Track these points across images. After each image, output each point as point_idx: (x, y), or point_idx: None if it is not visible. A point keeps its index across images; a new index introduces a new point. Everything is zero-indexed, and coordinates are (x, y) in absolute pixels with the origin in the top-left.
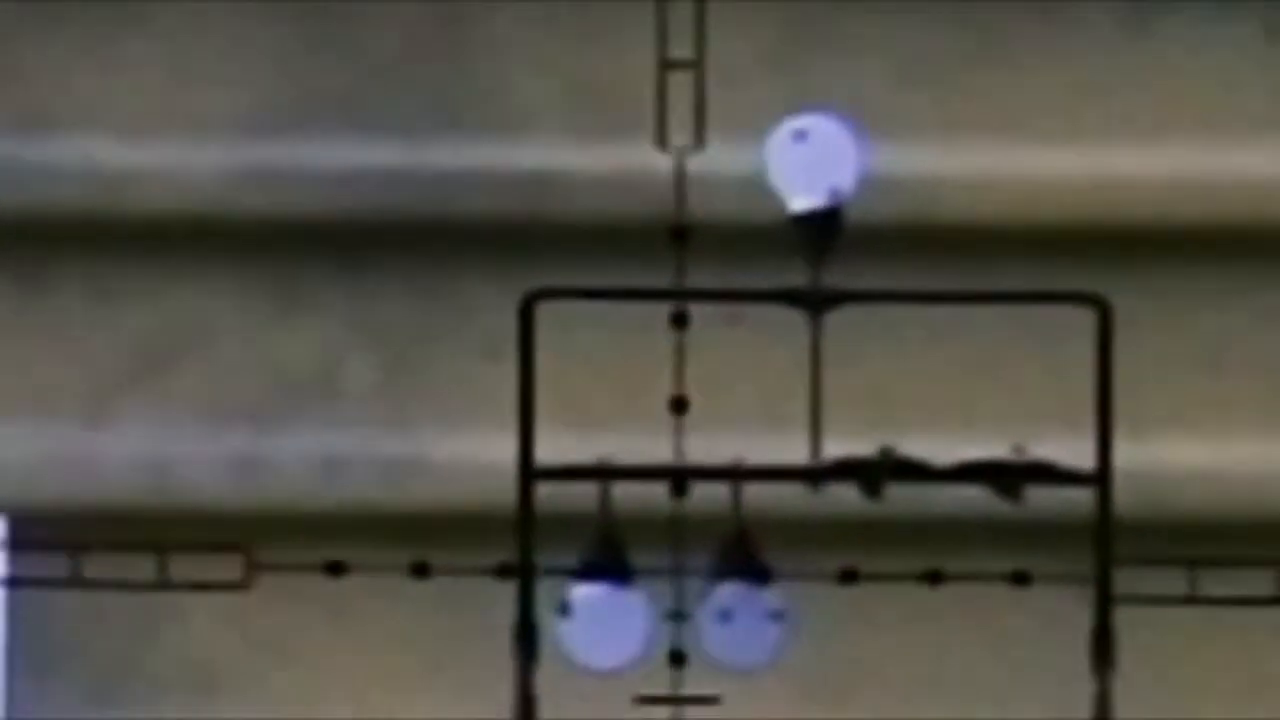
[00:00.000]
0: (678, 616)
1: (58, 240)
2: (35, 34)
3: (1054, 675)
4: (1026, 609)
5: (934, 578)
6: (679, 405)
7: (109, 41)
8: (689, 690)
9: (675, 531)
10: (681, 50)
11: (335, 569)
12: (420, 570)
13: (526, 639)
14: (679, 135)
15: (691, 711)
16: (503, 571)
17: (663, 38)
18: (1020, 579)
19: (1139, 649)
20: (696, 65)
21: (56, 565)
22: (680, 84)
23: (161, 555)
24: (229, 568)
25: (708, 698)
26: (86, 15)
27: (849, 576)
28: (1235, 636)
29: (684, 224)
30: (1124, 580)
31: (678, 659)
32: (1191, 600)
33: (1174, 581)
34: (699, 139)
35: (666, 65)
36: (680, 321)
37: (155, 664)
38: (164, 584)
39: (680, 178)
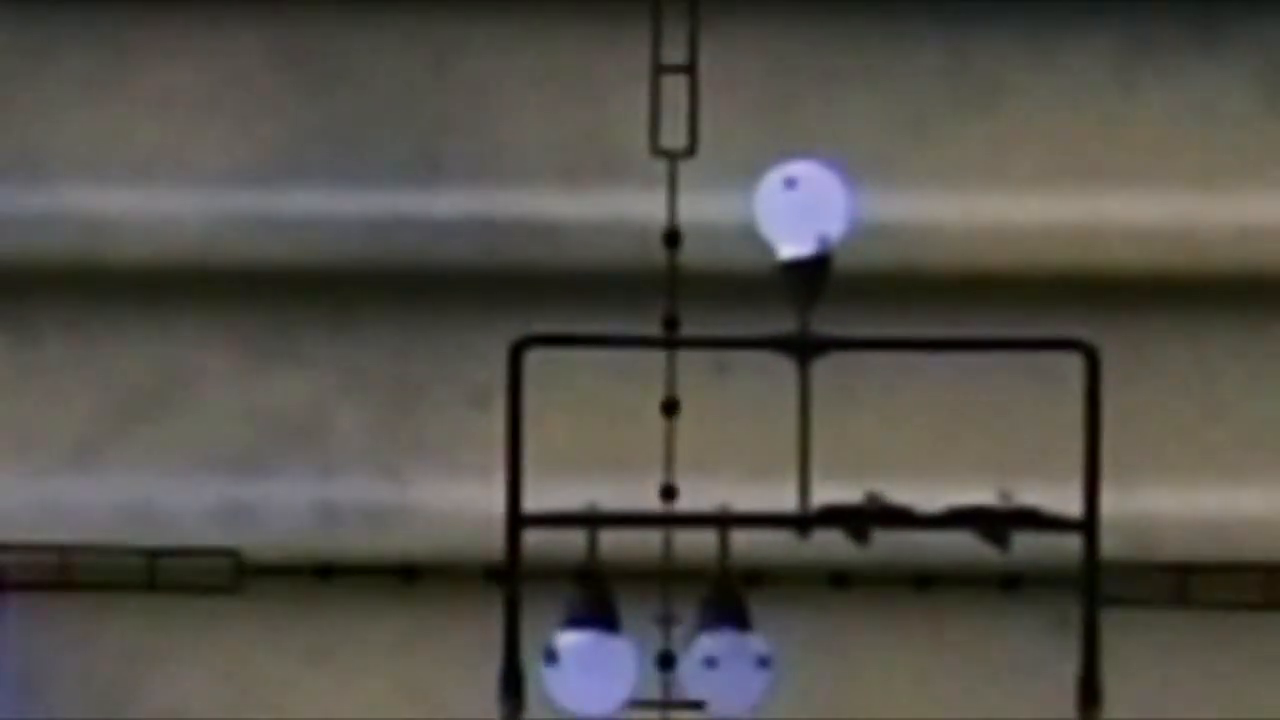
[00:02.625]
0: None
1: (45, 287)
2: (22, 82)
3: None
4: (1017, 645)
5: (922, 583)
6: (670, 412)
7: (96, 90)
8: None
9: (663, 575)
10: (673, 64)
11: (324, 573)
12: (409, 573)
13: (512, 684)
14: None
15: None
16: (491, 576)
17: (657, 41)
18: (1011, 583)
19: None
20: (690, 70)
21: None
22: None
23: (151, 560)
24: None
25: (695, 703)
26: (73, 64)
27: (839, 580)
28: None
29: (676, 229)
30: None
31: (666, 661)
32: (1182, 604)
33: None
34: (691, 145)
35: (660, 69)
36: (671, 325)
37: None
38: (153, 586)
39: (673, 181)
